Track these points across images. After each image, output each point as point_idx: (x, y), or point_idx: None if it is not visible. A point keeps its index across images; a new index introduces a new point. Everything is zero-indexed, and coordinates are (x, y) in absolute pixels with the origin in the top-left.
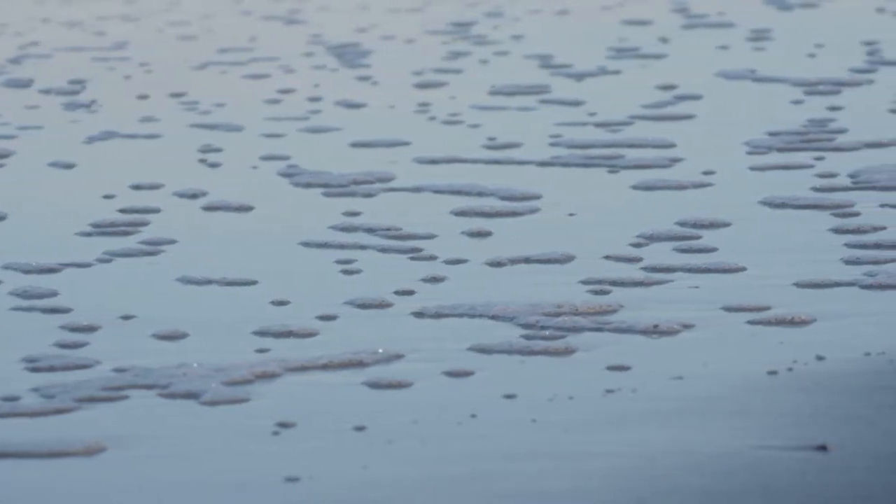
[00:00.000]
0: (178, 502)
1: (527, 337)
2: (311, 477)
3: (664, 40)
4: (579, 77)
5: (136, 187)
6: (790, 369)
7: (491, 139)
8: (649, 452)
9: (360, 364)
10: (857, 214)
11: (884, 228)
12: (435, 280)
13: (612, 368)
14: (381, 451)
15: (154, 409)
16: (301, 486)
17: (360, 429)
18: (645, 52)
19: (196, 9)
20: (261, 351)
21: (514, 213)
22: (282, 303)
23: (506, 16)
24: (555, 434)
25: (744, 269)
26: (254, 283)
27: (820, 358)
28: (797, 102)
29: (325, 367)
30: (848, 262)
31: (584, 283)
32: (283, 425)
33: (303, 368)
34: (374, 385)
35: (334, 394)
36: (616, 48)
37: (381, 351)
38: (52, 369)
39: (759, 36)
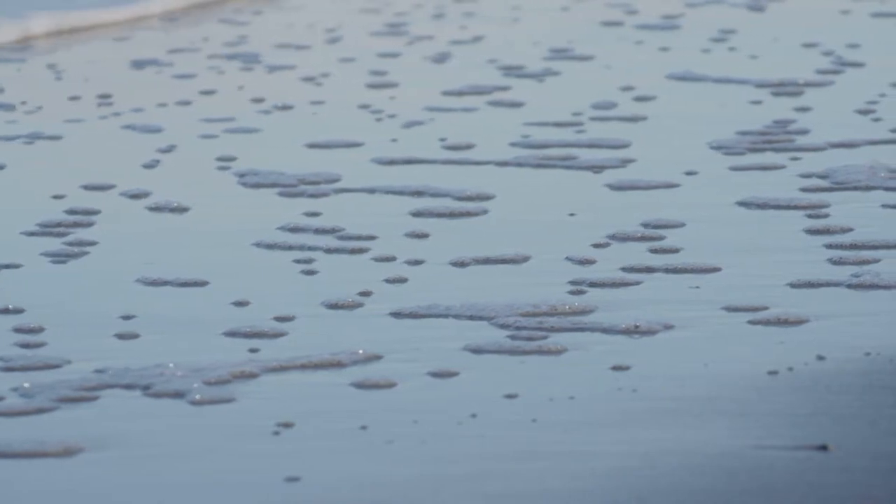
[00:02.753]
0: (178, 502)
1: (513, 337)
2: (311, 477)
3: (624, 41)
4: (537, 77)
5: (85, 187)
6: (790, 369)
7: (445, 140)
8: (649, 452)
9: (339, 364)
10: (827, 216)
11: (856, 229)
12: (398, 281)
13: (612, 369)
14: (381, 451)
15: (142, 408)
16: (301, 486)
17: (360, 429)
18: (603, 52)
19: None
20: (235, 351)
21: (470, 214)
22: (242, 303)
23: (459, 17)
24: (555, 434)
25: (719, 269)
26: (210, 283)
27: (820, 358)
28: (760, 103)
29: (303, 367)
30: (833, 262)
31: (556, 283)
32: (283, 425)
33: (281, 369)
34: (361, 385)
35: (323, 394)
36: (574, 49)
37: (361, 352)
38: (24, 369)
39: (720, 37)
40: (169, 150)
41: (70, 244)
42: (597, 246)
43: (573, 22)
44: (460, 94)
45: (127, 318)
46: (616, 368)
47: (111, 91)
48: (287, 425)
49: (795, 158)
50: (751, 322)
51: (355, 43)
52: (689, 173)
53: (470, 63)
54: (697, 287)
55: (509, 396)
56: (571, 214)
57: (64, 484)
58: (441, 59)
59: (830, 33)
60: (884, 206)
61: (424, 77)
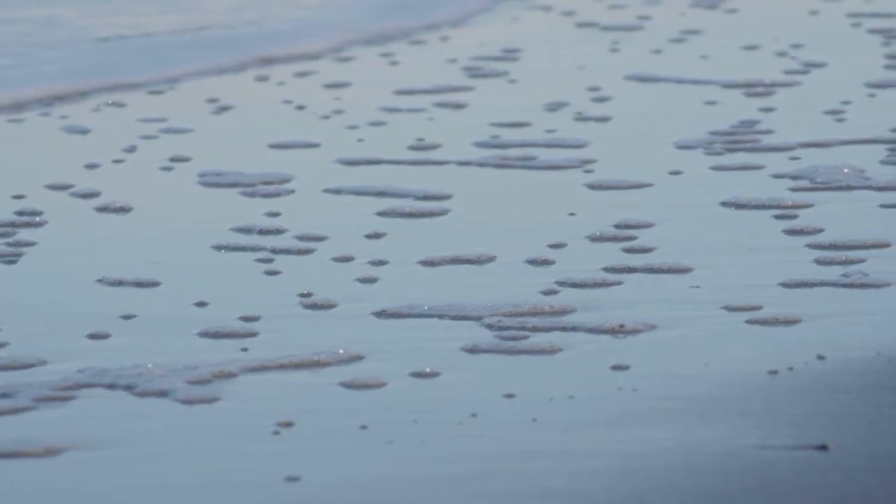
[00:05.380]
0: (177, 502)
1: (500, 337)
2: (311, 477)
3: (588, 42)
4: (502, 77)
5: (45, 187)
6: (791, 369)
7: (407, 140)
8: (649, 452)
9: (322, 364)
10: (808, 216)
11: (838, 229)
12: (368, 280)
13: (611, 368)
14: (380, 451)
15: (130, 408)
16: (301, 486)
17: (359, 428)
18: (568, 53)
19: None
20: (211, 351)
21: (432, 214)
22: (207, 304)
23: (421, 16)
24: (555, 434)
25: (692, 269)
26: (175, 284)
27: (820, 357)
28: (725, 104)
29: (281, 366)
30: (819, 262)
31: (534, 283)
32: (283, 425)
33: (263, 368)
34: (351, 385)
35: (314, 394)
36: (538, 49)
37: (342, 351)
38: (2, 368)
39: (683, 38)
40: (129, 150)
41: (20, 244)
42: (571, 246)
43: (542, 22)
44: (421, 93)
45: (92, 318)
46: (616, 368)
47: (57, 93)
48: (287, 425)
49: (767, 159)
50: (749, 322)
51: (310, 42)
52: (661, 173)
53: (430, 63)
54: (697, 286)
55: (508, 396)
56: (571, 214)
57: (62, 484)
58: (399, 59)
59: (798, 34)
60: (863, 205)
61: (381, 77)
